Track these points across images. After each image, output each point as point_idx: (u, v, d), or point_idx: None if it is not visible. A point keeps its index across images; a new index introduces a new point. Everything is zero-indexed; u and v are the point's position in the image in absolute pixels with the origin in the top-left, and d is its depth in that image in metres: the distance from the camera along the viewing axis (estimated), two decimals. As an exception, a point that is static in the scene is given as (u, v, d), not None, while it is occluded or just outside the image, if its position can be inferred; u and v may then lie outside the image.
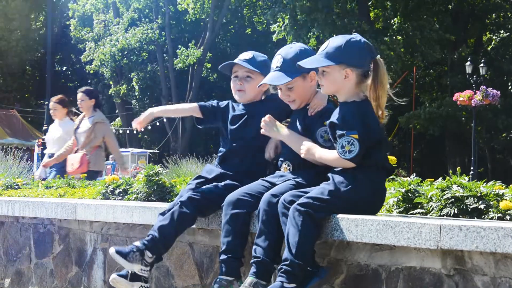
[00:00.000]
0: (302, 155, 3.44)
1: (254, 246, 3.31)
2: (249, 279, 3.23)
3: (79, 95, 8.53)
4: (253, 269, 3.26)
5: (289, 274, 3.10)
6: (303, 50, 3.65)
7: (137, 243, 3.53)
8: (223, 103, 4.09)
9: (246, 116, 3.90)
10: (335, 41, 3.37)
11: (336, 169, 3.31)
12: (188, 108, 4.26)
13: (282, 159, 3.70)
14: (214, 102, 4.12)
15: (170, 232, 3.59)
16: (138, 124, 4.03)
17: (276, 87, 3.74)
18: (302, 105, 3.68)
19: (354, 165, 3.23)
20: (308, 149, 3.42)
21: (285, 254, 3.14)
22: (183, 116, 4.03)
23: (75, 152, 8.37)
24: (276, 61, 3.65)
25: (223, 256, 3.45)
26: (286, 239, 3.15)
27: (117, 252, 3.46)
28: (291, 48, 3.67)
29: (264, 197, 3.38)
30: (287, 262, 3.11)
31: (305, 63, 3.42)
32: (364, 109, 3.30)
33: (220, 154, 3.98)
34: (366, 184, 3.25)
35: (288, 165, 3.64)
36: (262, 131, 3.68)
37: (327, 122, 3.37)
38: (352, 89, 3.35)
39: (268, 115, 3.68)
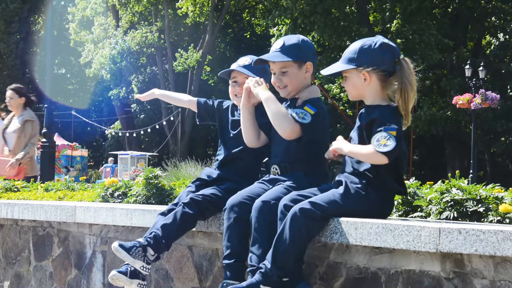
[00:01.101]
0: (330, 148, 3.41)
1: (250, 254, 3.31)
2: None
3: (8, 93, 8.16)
4: (249, 278, 3.24)
5: (268, 278, 3.11)
6: (304, 40, 3.71)
7: (140, 240, 3.52)
8: (225, 104, 4.11)
9: None
10: (352, 46, 3.39)
11: (351, 178, 3.26)
12: (186, 101, 4.32)
13: (270, 162, 3.71)
14: (215, 102, 4.13)
15: (172, 232, 3.59)
16: (140, 97, 4.44)
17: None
18: (291, 94, 3.68)
19: (387, 162, 3.15)
20: (338, 143, 3.36)
21: (270, 256, 3.14)
22: (180, 106, 4.17)
23: (7, 150, 8.04)
24: (277, 44, 3.69)
25: (227, 261, 3.43)
26: (276, 241, 3.14)
27: (120, 246, 3.45)
28: (294, 37, 3.73)
29: (255, 204, 3.37)
30: (269, 266, 3.12)
31: (325, 70, 3.47)
32: (398, 115, 3.28)
33: (219, 158, 3.98)
34: (377, 206, 3.24)
35: (276, 169, 3.65)
36: (248, 85, 3.66)
37: (363, 123, 3.30)
38: (377, 92, 3.32)
39: (262, 79, 3.69)
